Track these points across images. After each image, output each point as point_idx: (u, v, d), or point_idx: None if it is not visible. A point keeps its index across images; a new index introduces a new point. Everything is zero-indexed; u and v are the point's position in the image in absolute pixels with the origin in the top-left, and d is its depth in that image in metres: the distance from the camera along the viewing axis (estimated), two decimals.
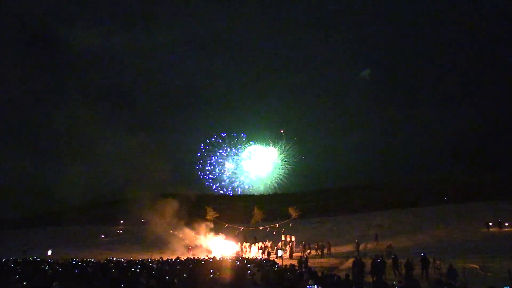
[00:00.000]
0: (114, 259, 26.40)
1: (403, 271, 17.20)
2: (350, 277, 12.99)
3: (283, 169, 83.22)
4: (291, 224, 44.10)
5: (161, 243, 35.45)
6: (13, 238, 50.02)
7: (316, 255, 29.25)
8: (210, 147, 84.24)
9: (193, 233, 35.62)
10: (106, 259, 26.01)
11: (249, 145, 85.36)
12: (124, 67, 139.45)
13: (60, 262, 22.36)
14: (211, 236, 35.36)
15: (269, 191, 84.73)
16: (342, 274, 12.92)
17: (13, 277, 12.83)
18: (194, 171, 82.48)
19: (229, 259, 24.64)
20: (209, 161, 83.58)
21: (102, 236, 50.73)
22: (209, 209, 45.49)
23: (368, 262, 18.80)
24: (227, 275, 14.17)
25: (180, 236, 35.38)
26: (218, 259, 24.00)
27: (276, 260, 25.21)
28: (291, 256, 28.91)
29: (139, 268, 16.97)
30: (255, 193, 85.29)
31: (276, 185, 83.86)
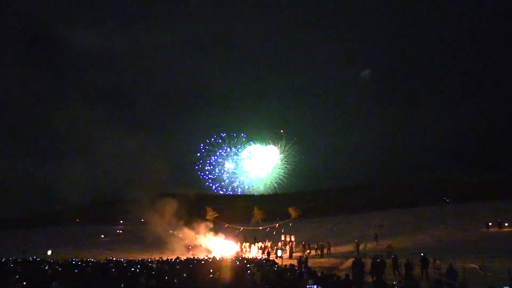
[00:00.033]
0: (114, 259, 26.39)
1: (403, 271, 17.19)
2: (350, 277, 12.98)
3: (283, 169, 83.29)
4: (290, 224, 44.09)
5: (160, 243, 35.45)
6: (12, 238, 49.99)
7: (316, 255, 29.23)
8: (210, 147, 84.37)
9: (193, 233, 35.61)
10: (106, 259, 26.01)
11: (249, 145, 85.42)
12: (124, 67, 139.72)
13: (60, 262, 22.37)
14: (210, 236, 35.35)
15: (269, 191, 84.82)
16: (342, 274, 12.91)
17: (13, 277, 12.83)
18: (194, 171, 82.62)
19: (229, 259, 24.62)
20: (208, 161, 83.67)
21: (102, 236, 50.72)
22: (209, 209, 45.49)
23: (368, 262, 18.80)
24: (227, 275, 14.17)
25: (180, 236, 35.38)
26: (218, 259, 23.99)
27: (276, 260, 25.20)
28: (291, 256, 28.89)
29: (139, 268, 16.96)
30: (255, 193, 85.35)
31: (276, 185, 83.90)
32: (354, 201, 70.70)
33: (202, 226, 35.86)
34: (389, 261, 18.86)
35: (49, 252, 32.21)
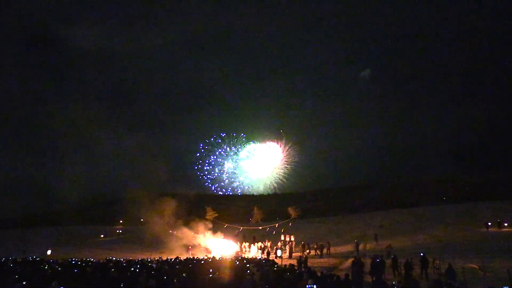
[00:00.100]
0: (114, 259, 26.37)
1: (403, 271, 17.19)
2: (350, 277, 12.98)
3: (282, 169, 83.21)
4: (290, 224, 44.12)
5: (160, 243, 35.44)
6: (12, 237, 49.95)
7: (315, 255, 29.24)
8: (210, 147, 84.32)
9: (192, 233, 35.62)
10: (106, 259, 25.99)
11: (248, 145, 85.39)
12: (124, 67, 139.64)
13: (60, 261, 22.33)
14: (209, 235, 35.34)
15: (269, 191, 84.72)
16: (342, 274, 12.90)
17: (13, 277, 12.83)
18: (194, 171, 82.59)
19: (229, 259, 24.62)
20: (207, 161, 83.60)
21: (102, 236, 50.71)
22: (208, 209, 45.49)
23: (367, 262, 18.79)
24: (226, 275, 14.16)
25: (179, 235, 35.38)
26: (217, 259, 23.99)
27: (275, 260, 25.20)
28: (290, 256, 28.90)
29: (138, 268, 16.94)
30: (255, 193, 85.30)
31: (275, 185, 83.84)
32: (354, 201, 70.73)
33: (201, 226, 35.88)
34: (388, 261, 18.86)
35: (49, 252, 32.23)
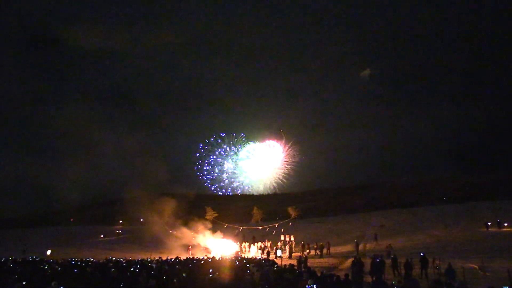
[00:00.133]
0: (114, 258, 26.36)
1: (403, 271, 17.19)
2: (350, 277, 12.97)
3: (282, 169, 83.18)
4: (290, 224, 44.14)
5: (159, 243, 35.44)
6: (12, 237, 49.97)
7: (315, 255, 29.23)
8: (209, 147, 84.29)
9: (192, 233, 35.62)
10: (105, 259, 25.97)
11: (248, 145, 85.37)
12: (124, 67, 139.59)
13: (59, 261, 22.32)
14: (208, 234, 35.33)
15: (269, 191, 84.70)
16: (342, 274, 12.89)
17: (12, 277, 12.82)
18: (194, 171, 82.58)
19: (229, 259, 24.61)
20: (207, 161, 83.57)
21: (101, 236, 50.71)
22: (208, 208, 45.48)
23: (367, 262, 18.78)
24: (226, 275, 14.15)
25: (178, 235, 35.39)
26: (217, 259, 23.98)
27: (275, 260, 25.20)
28: (290, 256, 28.89)
29: (138, 268, 16.93)
30: (255, 193, 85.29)
31: (275, 185, 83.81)
32: (354, 201, 70.79)
33: (200, 226, 35.89)
34: (388, 261, 18.86)
35: (49, 252, 32.21)
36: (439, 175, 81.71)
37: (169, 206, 34.39)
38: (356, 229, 42.14)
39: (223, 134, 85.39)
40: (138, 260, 24.45)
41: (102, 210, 75.43)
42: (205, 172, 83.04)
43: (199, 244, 35.24)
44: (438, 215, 44.17)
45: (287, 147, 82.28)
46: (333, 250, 30.09)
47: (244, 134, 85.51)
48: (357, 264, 17.57)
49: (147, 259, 26.21)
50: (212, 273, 14.41)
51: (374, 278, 14.16)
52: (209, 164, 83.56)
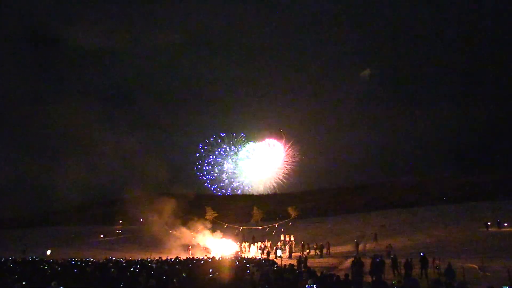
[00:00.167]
0: (113, 258, 26.36)
1: (402, 271, 17.18)
2: (350, 277, 12.97)
3: (282, 169, 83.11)
4: (290, 224, 44.14)
5: (159, 243, 35.43)
6: (12, 237, 49.97)
7: (315, 255, 29.22)
8: (209, 147, 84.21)
9: (192, 232, 35.61)
10: (105, 259, 25.97)
11: (248, 145, 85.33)
12: (124, 67, 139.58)
13: (59, 262, 22.32)
14: (207, 233, 35.31)
15: (269, 191, 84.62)
16: (341, 274, 12.90)
17: (12, 277, 12.81)
18: (194, 171, 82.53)
19: (228, 259, 24.61)
20: (206, 161, 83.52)
21: (101, 236, 50.71)
22: (208, 208, 45.47)
23: (367, 262, 18.78)
24: (226, 275, 14.16)
25: (178, 235, 35.37)
26: (217, 259, 23.98)
27: (275, 260, 25.20)
28: (290, 256, 28.89)
29: (138, 268, 16.93)
30: (255, 193, 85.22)
31: (275, 185, 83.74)
32: (354, 201, 70.81)
33: (200, 226, 35.88)
34: (388, 261, 18.86)
35: (49, 252, 32.20)
36: (439, 175, 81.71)
37: (169, 206, 34.38)
38: (356, 229, 42.14)
39: (223, 134, 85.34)
40: (138, 260, 24.45)
41: (102, 210, 75.41)
42: (205, 172, 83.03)
43: (199, 244, 35.24)
44: (438, 215, 44.19)
45: (287, 147, 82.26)
46: (333, 250, 30.08)
47: (244, 134, 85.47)
48: (357, 264, 17.57)
49: (147, 259, 26.20)
50: (212, 273, 14.42)
51: (374, 278, 14.17)
52: (208, 164, 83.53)
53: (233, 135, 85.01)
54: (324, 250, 29.23)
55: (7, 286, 11.38)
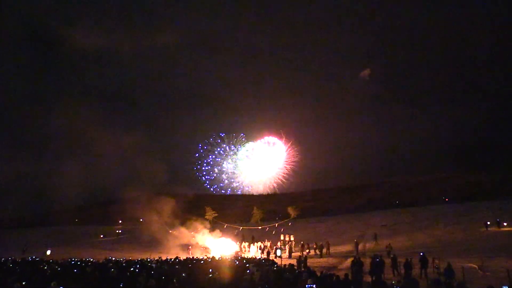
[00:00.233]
0: (113, 258, 26.36)
1: (402, 271, 17.19)
2: (349, 277, 12.97)
3: (282, 169, 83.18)
4: (290, 223, 44.14)
5: (159, 243, 35.43)
6: (12, 237, 49.97)
7: (315, 254, 29.23)
8: (209, 147, 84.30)
9: (192, 232, 35.60)
10: (105, 259, 25.97)
11: (248, 145, 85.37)
12: (124, 67, 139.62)
13: (59, 262, 22.32)
14: (207, 233, 35.31)
15: (269, 191, 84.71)
16: (341, 274, 12.90)
17: (12, 277, 12.80)
18: (193, 171, 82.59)
19: (228, 258, 24.61)
20: (206, 161, 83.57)
21: (101, 236, 50.69)
22: (208, 208, 45.45)
23: (367, 261, 18.79)
24: (226, 275, 14.15)
25: (177, 235, 35.37)
26: (217, 258, 23.97)
27: (275, 259, 25.20)
28: (290, 256, 28.89)
29: (138, 268, 16.93)
30: (254, 193, 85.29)
31: (275, 185, 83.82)
32: (354, 201, 70.85)
33: (199, 225, 35.88)
34: (388, 261, 18.86)
35: (48, 252, 32.21)
36: (439, 175, 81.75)
37: (169, 206, 34.37)
38: (356, 229, 42.15)
39: (222, 134, 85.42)
40: (137, 260, 24.44)
41: (102, 210, 75.43)
42: (205, 173, 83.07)
43: (198, 244, 35.24)
44: (437, 214, 44.21)
45: (287, 147, 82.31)
46: (332, 250, 30.09)
47: (244, 134, 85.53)
48: (357, 264, 17.58)
49: (147, 259, 26.20)
50: (212, 273, 14.41)
51: (373, 278, 14.18)
52: (208, 164, 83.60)
53: (233, 135, 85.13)
54: (324, 250, 29.23)
55: (7, 286, 11.38)
